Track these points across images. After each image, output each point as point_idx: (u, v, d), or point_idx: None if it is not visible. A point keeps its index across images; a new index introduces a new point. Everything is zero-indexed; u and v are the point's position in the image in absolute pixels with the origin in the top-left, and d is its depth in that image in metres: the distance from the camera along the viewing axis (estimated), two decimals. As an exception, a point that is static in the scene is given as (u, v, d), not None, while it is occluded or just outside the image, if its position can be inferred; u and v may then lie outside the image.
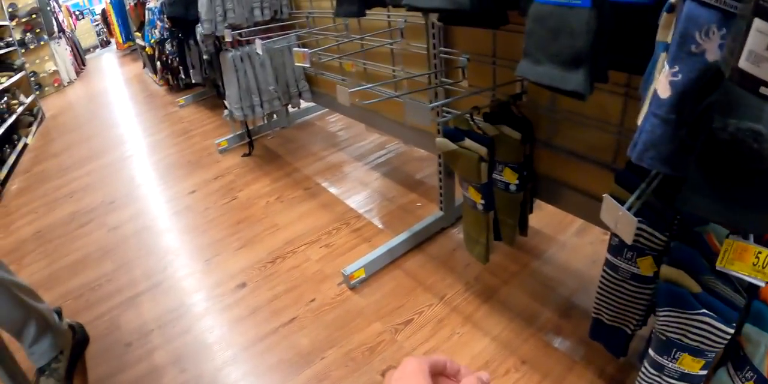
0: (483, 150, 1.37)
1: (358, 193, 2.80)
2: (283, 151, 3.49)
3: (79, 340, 1.92)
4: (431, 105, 1.24)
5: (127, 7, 6.76)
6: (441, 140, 1.45)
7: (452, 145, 1.41)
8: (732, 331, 0.89)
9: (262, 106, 3.19)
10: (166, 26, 4.50)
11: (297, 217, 2.64)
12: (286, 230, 2.53)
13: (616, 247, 1.18)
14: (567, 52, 0.81)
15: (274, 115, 3.47)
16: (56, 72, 7.60)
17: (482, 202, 1.49)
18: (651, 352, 1.04)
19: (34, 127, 5.46)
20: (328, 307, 1.97)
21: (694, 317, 0.90)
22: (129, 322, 2.07)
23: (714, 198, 0.65)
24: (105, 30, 10.94)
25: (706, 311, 0.89)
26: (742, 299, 0.90)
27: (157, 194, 3.30)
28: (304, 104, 3.84)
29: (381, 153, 3.22)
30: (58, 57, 7.68)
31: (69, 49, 8.57)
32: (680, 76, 0.64)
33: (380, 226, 2.45)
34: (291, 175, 3.12)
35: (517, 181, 1.53)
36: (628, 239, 0.82)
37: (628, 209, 0.83)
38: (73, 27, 10.13)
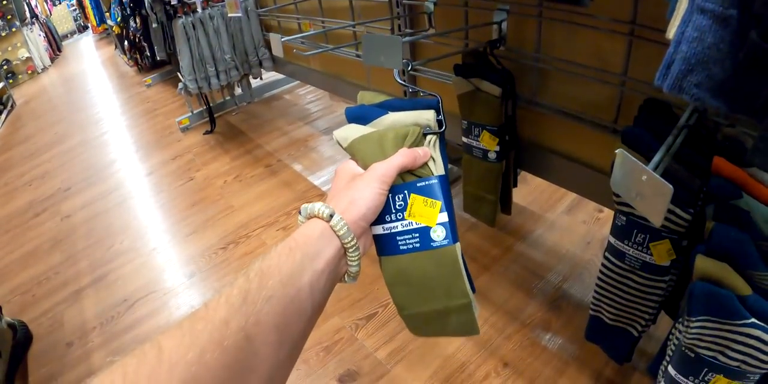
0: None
1: (323, 168, 2.56)
2: (246, 127, 3.27)
3: (19, 340, 1.79)
4: (405, 39, 0.94)
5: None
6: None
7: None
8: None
9: (218, 77, 2.89)
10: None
11: (254, 198, 2.41)
12: (242, 212, 2.30)
13: (623, 228, 0.91)
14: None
15: (238, 89, 3.24)
16: (30, 59, 7.40)
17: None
18: (671, 370, 0.78)
19: (3, 116, 5.33)
20: (280, 300, 1.70)
21: (740, 329, 0.63)
22: (72, 319, 1.90)
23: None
24: (81, 15, 10.72)
25: (757, 321, 0.62)
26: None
27: (113, 179, 3.08)
28: (270, 77, 3.66)
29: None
30: (31, 44, 7.49)
31: (43, 35, 8.39)
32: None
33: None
34: (252, 152, 2.89)
35: (497, 148, 1.25)
36: (657, 218, 0.54)
37: (655, 169, 0.55)
38: (49, 13, 9.93)
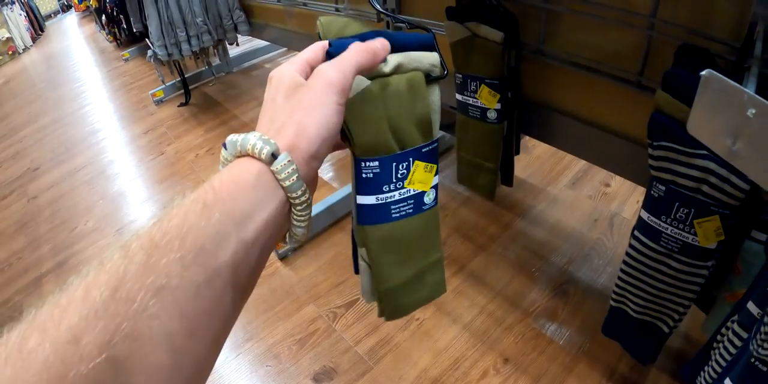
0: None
1: (303, 138, 2.34)
2: (223, 97, 3.05)
3: None
4: None
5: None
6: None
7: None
8: None
9: (189, 43, 2.64)
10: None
11: (226, 172, 2.18)
12: (212, 188, 2.07)
13: (661, 200, 0.72)
14: None
15: (216, 59, 3.03)
16: (10, 39, 7.20)
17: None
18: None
19: (-21, 98, 5.16)
20: (249, 285, 1.52)
21: None
22: (31, 309, 1.68)
23: None
24: None
25: None
26: None
27: (82, 156, 2.87)
28: (250, 45, 3.46)
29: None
30: (11, 24, 7.29)
31: (24, 14, 8.16)
32: None
33: (323, 177, 2.00)
34: (227, 123, 2.69)
35: (497, 106, 1.05)
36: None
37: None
38: None
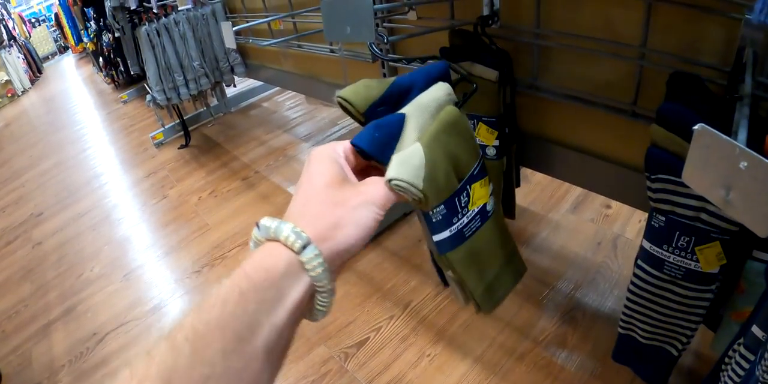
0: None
1: (303, 179, 2.36)
2: (223, 138, 3.09)
3: None
4: (376, 6, 0.75)
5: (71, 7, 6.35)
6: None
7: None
8: None
9: (187, 86, 2.70)
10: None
11: (230, 214, 2.23)
12: (217, 231, 2.12)
13: (662, 230, 0.74)
14: None
15: (214, 100, 3.09)
16: (9, 82, 7.29)
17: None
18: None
19: (-20, 143, 5.19)
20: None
21: None
22: (40, 357, 1.73)
23: None
24: (60, 35, 10.70)
25: None
26: None
27: (85, 201, 2.89)
28: (246, 85, 3.51)
29: (333, 130, 2.81)
30: (9, 66, 7.39)
31: (22, 57, 8.30)
32: None
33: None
34: (228, 165, 2.71)
35: (496, 143, 1.08)
36: (764, 225, 0.36)
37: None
38: (28, 35, 9.88)
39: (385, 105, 0.50)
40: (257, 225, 0.39)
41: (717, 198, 0.38)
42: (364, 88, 0.50)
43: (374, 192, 0.41)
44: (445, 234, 0.51)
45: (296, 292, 0.37)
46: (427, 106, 0.48)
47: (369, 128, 0.46)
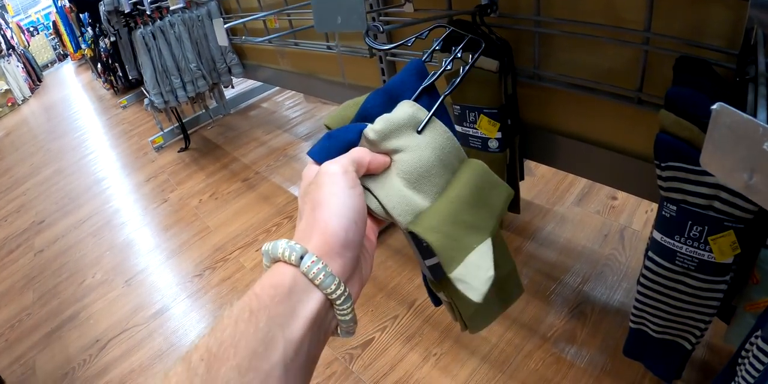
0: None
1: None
2: (222, 140, 3.08)
3: None
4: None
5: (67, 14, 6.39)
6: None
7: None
8: None
9: (185, 89, 2.66)
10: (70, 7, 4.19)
11: (231, 216, 2.21)
12: (218, 233, 2.11)
13: (673, 220, 0.71)
14: None
15: (212, 102, 3.07)
16: (9, 91, 7.34)
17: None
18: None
19: (-19, 152, 5.23)
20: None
21: None
22: (44, 365, 1.73)
23: None
24: (59, 43, 10.83)
25: None
26: None
27: (86, 207, 2.89)
28: (245, 86, 3.51)
29: (333, 128, 2.76)
30: (9, 76, 7.45)
31: (21, 66, 8.36)
32: None
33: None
34: (228, 167, 2.70)
35: (498, 135, 1.05)
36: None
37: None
38: (27, 43, 9.97)
39: (363, 122, 0.48)
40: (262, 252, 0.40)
41: (739, 183, 0.35)
42: (342, 110, 0.49)
43: (323, 170, 0.42)
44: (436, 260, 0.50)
45: (309, 305, 0.36)
46: (395, 128, 0.46)
47: (323, 138, 0.47)
